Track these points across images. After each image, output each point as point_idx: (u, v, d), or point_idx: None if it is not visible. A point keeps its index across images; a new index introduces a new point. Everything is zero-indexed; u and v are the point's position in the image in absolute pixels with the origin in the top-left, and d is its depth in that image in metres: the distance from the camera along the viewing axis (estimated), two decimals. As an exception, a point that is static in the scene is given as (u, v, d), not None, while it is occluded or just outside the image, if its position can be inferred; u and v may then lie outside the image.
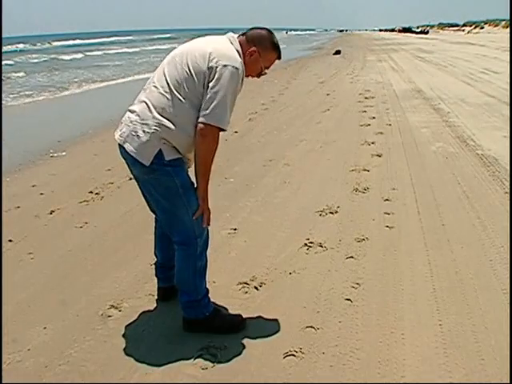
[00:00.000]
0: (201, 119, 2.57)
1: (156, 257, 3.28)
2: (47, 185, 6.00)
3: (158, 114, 2.62)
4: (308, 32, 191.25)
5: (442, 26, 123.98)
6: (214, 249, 3.97)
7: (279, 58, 2.93)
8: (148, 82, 2.80)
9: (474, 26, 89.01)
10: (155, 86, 2.69)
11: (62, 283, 3.63)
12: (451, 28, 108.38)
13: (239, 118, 9.81)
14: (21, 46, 58.97)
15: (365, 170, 6.01)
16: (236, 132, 8.44)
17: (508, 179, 5.40)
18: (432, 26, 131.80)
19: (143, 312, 3.20)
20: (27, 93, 15.58)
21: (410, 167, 6.06)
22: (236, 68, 2.61)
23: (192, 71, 2.60)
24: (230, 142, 7.75)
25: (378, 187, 5.37)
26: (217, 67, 2.58)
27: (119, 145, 2.75)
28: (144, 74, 19.58)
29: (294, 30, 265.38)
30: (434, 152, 6.76)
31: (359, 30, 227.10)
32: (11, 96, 14.80)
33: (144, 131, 2.63)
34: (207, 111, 2.56)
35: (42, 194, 5.71)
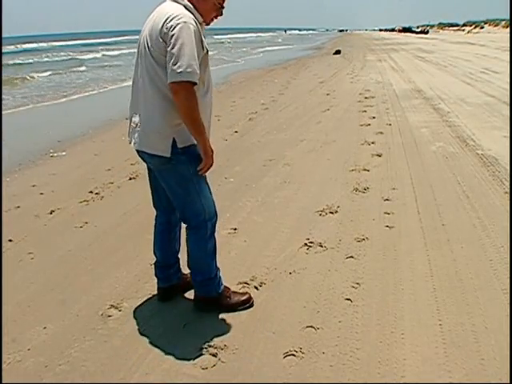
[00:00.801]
0: (168, 80, 2.60)
1: (155, 256, 3.29)
2: (47, 185, 6.01)
3: (154, 104, 2.73)
4: (310, 32, 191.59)
5: (442, 25, 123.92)
6: (214, 249, 3.99)
7: None
8: (133, 76, 2.91)
9: (474, 26, 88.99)
10: (141, 80, 2.80)
11: (62, 283, 3.63)
12: (451, 28, 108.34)
13: (239, 117, 9.83)
14: (33, 45, 58.93)
15: (365, 169, 6.01)
16: (236, 132, 8.45)
17: (508, 179, 5.39)
18: (432, 26, 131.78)
19: (143, 312, 3.21)
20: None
21: (410, 167, 6.05)
22: (184, 22, 2.61)
23: (156, 53, 2.67)
24: (229, 141, 7.77)
25: (378, 187, 5.36)
26: (167, 32, 2.60)
27: (137, 150, 2.90)
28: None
29: (296, 29, 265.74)
30: (434, 152, 6.75)
31: (359, 30, 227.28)
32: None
33: (152, 126, 2.77)
34: (169, 70, 2.58)
35: (41, 193, 5.72)
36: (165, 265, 3.28)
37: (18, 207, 5.27)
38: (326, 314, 3.10)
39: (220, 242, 4.06)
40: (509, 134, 7.38)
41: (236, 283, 3.46)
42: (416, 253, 3.86)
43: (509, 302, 3.14)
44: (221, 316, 3.10)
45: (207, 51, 2.77)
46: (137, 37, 2.92)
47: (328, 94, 12.67)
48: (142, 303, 3.30)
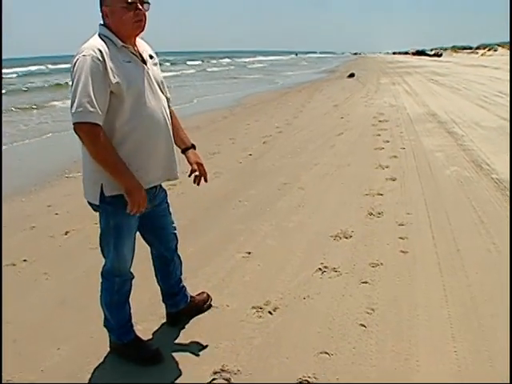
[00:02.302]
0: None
1: (159, 286, 3.32)
2: (62, 205, 6.07)
3: (83, 147, 2.56)
4: (329, 55, 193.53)
5: (455, 48, 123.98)
6: (228, 272, 4.04)
7: None
8: None
9: (487, 49, 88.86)
10: None
11: (76, 304, 3.67)
12: (465, 50, 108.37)
13: (254, 140, 9.89)
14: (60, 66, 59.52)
15: (379, 194, 6.01)
16: (250, 155, 8.50)
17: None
18: (445, 49, 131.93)
19: (157, 335, 3.23)
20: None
21: (425, 191, 6.05)
22: (83, 55, 2.43)
23: None
24: (244, 164, 7.82)
25: (393, 211, 5.36)
26: (71, 69, 2.48)
27: None
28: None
29: (314, 52, 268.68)
30: (449, 176, 6.74)
31: (373, 53, 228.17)
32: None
33: (84, 170, 2.70)
34: (70, 111, 2.42)
35: (57, 214, 5.79)
36: (170, 293, 3.30)
37: (34, 227, 5.34)
38: (340, 339, 3.09)
39: (234, 266, 4.14)
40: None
41: (250, 307, 3.48)
42: (431, 278, 3.85)
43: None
44: (235, 340, 3.11)
45: (120, 82, 2.48)
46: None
47: (342, 118, 12.72)
48: (156, 326, 3.32)
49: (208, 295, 3.54)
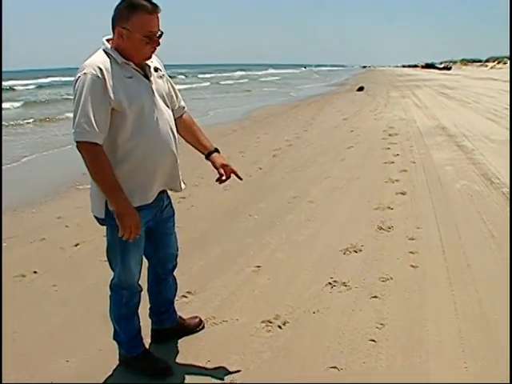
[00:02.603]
0: None
1: (149, 299, 3.26)
2: (73, 217, 6.09)
3: None
4: (340, 68, 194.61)
5: (464, 61, 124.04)
6: (237, 286, 4.04)
7: (152, 11, 2.52)
8: None
9: (497, 62, 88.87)
10: None
11: (85, 316, 3.69)
12: (474, 63, 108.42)
13: (263, 154, 9.92)
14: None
15: (389, 207, 6.00)
16: (260, 168, 8.53)
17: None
18: (455, 62, 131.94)
19: (166, 350, 3.22)
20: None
21: (435, 205, 6.03)
22: (84, 73, 2.44)
23: None
24: (254, 178, 7.83)
25: (403, 226, 5.35)
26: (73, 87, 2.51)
27: None
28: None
29: (325, 65, 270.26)
30: (459, 190, 6.73)
31: (383, 66, 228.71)
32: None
33: (91, 186, 2.71)
34: (72, 129, 2.46)
35: (67, 226, 5.83)
36: (156, 310, 3.27)
37: (44, 239, 5.38)
38: (350, 354, 3.08)
39: (244, 280, 4.14)
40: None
41: (259, 321, 3.48)
42: (441, 293, 3.83)
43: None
44: (244, 354, 3.11)
45: (122, 100, 2.49)
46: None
47: (352, 131, 12.73)
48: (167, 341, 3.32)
49: (201, 321, 3.45)
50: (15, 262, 4.68)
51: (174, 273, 3.27)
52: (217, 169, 2.97)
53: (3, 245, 5.12)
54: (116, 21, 2.54)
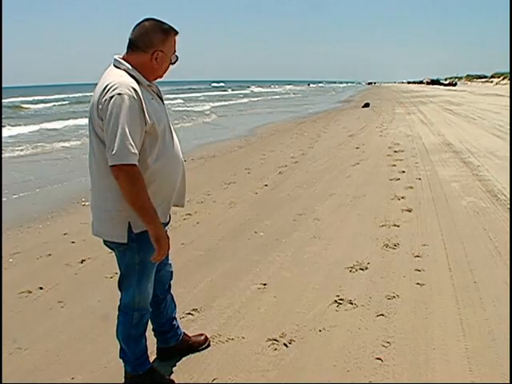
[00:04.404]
0: (108, 163, 2.44)
1: (151, 321, 3.21)
2: (79, 233, 6.10)
3: (104, 185, 2.58)
4: (349, 84, 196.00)
5: (469, 77, 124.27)
6: (243, 304, 4.04)
7: (176, 33, 2.67)
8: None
9: (502, 77, 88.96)
10: (91, 157, 2.65)
11: (90, 333, 3.68)
12: (479, 79, 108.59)
13: (269, 171, 9.94)
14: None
15: (395, 225, 6.00)
16: (266, 185, 8.53)
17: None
18: (460, 78, 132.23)
19: (171, 366, 3.21)
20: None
21: (441, 222, 6.03)
22: (119, 94, 2.41)
23: (99, 130, 2.51)
24: (259, 195, 7.85)
25: (409, 243, 5.34)
26: (102, 108, 2.44)
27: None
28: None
29: (334, 82, 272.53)
30: (465, 207, 6.72)
31: (388, 83, 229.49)
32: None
33: (105, 210, 2.65)
34: (109, 152, 2.40)
35: (73, 242, 5.84)
36: (160, 330, 3.26)
37: (50, 255, 5.40)
38: (356, 373, 3.07)
39: (249, 298, 4.14)
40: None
41: (265, 340, 3.47)
42: (448, 311, 3.82)
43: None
44: (250, 373, 3.10)
45: (154, 122, 2.54)
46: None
47: (357, 148, 12.76)
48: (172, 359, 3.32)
49: (206, 338, 3.44)
50: (21, 278, 4.70)
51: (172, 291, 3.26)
52: None
53: (9, 261, 5.14)
54: (149, 43, 2.58)
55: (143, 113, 2.47)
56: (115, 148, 2.37)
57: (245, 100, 49.92)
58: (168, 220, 2.86)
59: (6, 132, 18.95)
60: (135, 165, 2.43)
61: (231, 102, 44.81)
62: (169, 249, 2.65)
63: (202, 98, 55.39)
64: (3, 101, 39.12)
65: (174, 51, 2.67)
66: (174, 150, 2.73)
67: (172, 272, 3.19)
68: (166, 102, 2.88)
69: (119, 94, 2.41)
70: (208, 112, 30.99)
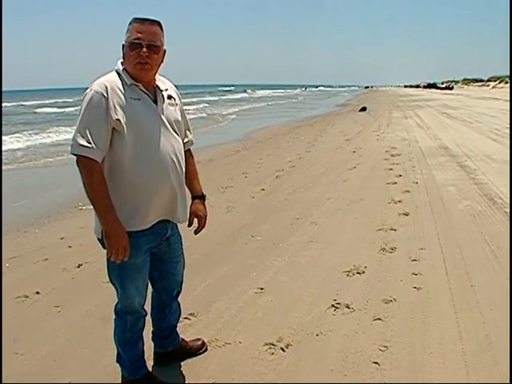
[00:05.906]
0: None
1: (152, 323, 3.24)
2: (75, 238, 6.10)
3: None
4: (346, 88, 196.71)
5: (466, 81, 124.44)
6: (240, 308, 4.04)
7: (144, 20, 2.59)
8: None
9: (498, 81, 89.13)
10: None
11: (87, 338, 3.68)
12: (476, 83, 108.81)
13: (266, 175, 9.94)
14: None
15: (392, 229, 6.00)
16: (263, 189, 8.54)
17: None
18: (456, 82, 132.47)
19: (167, 370, 3.20)
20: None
21: (438, 226, 6.03)
22: (89, 90, 2.52)
23: None
24: (256, 199, 7.86)
25: (406, 247, 5.35)
26: None
27: None
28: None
29: (330, 86, 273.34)
30: (462, 210, 6.73)
31: (385, 86, 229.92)
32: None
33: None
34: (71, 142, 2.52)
35: (70, 246, 5.83)
36: (159, 334, 3.25)
37: (46, 259, 5.39)
38: (354, 377, 3.07)
39: (246, 302, 4.13)
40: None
41: (262, 344, 3.47)
42: (444, 315, 3.82)
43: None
44: (247, 377, 3.10)
45: (120, 119, 2.51)
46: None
47: (354, 152, 12.78)
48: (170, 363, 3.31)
49: (203, 343, 3.43)
50: (18, 283, 4.69)
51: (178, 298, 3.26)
52: (190, 215, 3.07)
53: (6, 265, 5.13)
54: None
55: (109, 109, 2.49)
56: (72, 139, 2.49)
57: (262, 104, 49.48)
58: (162, 230, 2.84)
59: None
60: (90, 158, 2.46)
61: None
62: (125, 250, 2.58)
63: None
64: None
65: (137, 36, 2.54)
66: (159, 158, 2.64)
67: (180, 281, 3.18)
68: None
69: (90, 90, 2.52)
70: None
